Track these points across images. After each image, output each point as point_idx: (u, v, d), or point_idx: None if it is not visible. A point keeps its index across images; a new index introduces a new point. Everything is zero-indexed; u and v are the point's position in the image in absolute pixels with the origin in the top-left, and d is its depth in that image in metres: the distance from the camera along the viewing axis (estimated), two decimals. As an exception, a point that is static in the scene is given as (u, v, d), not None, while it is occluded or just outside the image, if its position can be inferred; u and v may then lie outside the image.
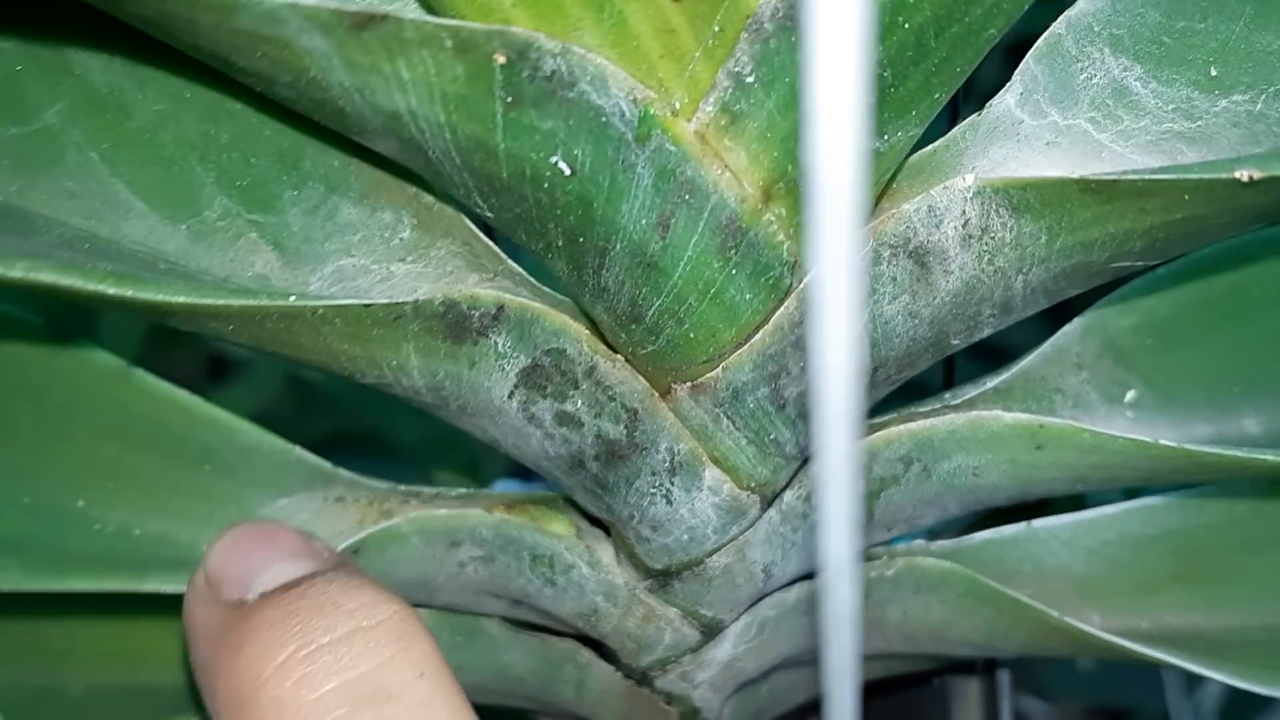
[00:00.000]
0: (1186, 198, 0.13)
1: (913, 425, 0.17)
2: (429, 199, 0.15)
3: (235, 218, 0.15)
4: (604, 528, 0.17)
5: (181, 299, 0.12)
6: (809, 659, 0.19)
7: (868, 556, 0.18)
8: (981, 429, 0.16)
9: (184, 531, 0.17)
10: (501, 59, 0.11)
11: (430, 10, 0.12)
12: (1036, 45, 0.15)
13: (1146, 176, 0.13)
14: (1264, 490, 0.20)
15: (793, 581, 0.18)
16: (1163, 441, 0.16)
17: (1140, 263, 0.15)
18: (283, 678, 0.13)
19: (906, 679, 0.23)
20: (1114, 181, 0.13)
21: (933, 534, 0.21)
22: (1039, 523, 0.19)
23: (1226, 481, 0.20)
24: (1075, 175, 0.13)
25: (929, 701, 0.24)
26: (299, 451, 0.18)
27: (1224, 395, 0.19)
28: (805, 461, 0.16)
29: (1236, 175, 0.12)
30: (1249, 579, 0.19)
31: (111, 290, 0.12)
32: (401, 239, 0.15)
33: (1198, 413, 0.19)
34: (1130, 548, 0.19)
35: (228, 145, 0.15)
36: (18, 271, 0.12)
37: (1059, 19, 0.15)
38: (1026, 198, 0.14)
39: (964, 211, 0.14)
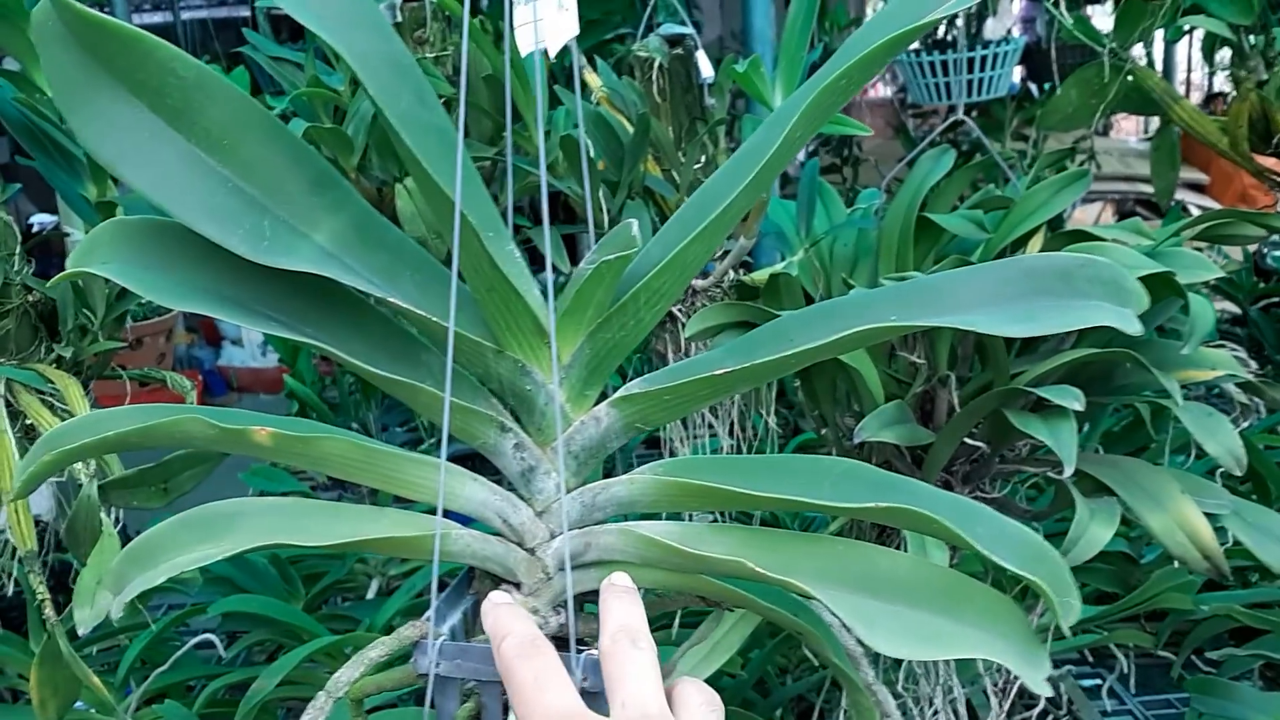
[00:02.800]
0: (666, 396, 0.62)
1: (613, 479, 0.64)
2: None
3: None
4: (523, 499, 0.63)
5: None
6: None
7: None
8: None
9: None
10: (512, 361, 0.60)
11: (494, 340, 0.61)
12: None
13: (640, 391, 0.62)
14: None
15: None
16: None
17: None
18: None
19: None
20: (629, 395, 0.62)
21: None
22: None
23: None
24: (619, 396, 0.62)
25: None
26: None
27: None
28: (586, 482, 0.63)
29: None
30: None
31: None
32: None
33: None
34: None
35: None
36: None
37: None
38: (614, 402, 0.63)
39: (605, 407, 0.63)
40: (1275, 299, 2.18)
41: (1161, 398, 1.15)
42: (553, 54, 0.66)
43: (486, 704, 0.59)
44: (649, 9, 1.31)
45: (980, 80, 2.16)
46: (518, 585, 0.63)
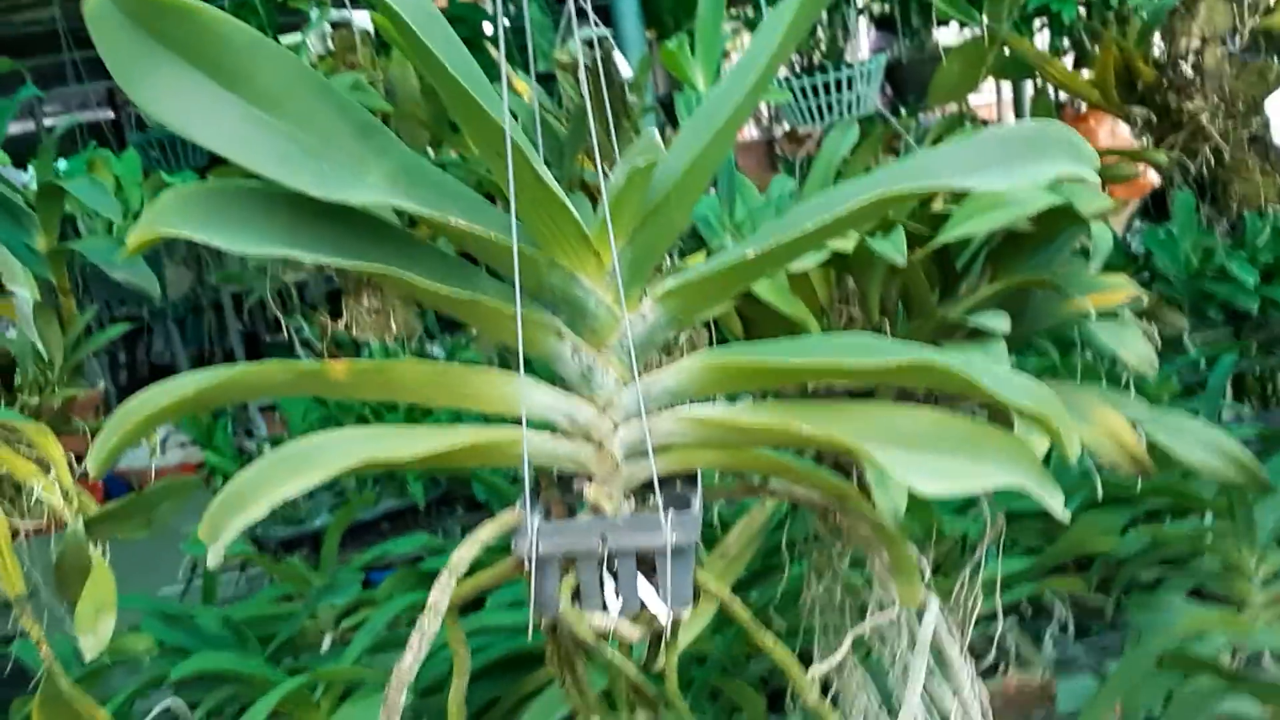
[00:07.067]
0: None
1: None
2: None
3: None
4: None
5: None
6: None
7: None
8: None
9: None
10: (563, 270, 0.68)
11: (535, 244, 0.69)
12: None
13: (679, 284, 0.71)
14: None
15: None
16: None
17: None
18: None
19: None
20: (670, 290, 0.71)
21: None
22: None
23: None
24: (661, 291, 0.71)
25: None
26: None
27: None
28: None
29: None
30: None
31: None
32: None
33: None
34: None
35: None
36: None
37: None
38: (658, 298, 0.71)
39: (649, 303, 0.71)
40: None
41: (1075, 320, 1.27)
42: None
43: (584, 578, 0.66)
44: (564, 21, 1.41)
45: (849, 99, 2.36)
46: (590, 478, 0.70)
